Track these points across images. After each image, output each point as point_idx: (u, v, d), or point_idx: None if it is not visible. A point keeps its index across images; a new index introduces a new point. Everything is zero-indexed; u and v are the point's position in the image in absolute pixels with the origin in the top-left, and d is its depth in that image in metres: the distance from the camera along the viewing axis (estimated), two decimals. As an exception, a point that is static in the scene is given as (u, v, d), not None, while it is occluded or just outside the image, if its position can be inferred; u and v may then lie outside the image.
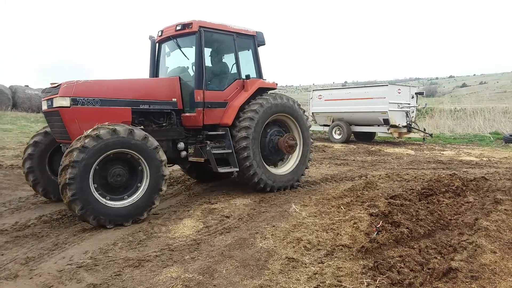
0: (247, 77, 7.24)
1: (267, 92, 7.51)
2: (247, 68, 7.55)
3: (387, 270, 3.64)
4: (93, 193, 5.16)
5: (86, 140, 5.09)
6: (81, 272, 3.86)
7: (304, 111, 7.82)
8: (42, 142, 6.65)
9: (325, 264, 3.95)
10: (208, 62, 7.19)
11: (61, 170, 5.05)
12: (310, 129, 8.00)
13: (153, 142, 5.62)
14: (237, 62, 7.31)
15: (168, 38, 7.26)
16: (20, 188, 7.67)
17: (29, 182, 6.63)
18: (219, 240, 4.77)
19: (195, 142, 6.99)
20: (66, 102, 5.69)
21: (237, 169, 6.81)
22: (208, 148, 6.64)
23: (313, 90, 20.34)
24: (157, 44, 7.53)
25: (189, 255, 4.28)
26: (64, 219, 5.92)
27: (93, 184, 5.17)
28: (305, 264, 3.98)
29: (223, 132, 6.91)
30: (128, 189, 5.60)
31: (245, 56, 7.62)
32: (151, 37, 7.47)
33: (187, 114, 6.86)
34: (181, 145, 6.82)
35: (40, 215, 6.01)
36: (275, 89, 7.74)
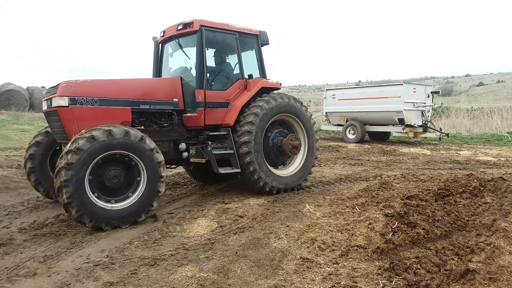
0: (250, 76, 7.17)
1: (270, 92, 7.36)
2: (251, 67, 7.48)
3: (403, 271, 3.60)
4: (89, 196, 5.11)
5: (80, 142, 5.04)
6: (98, 270, 3.92)
7: (306, 109, 7.69)
8: (44, 142, 6.67)
9: (340, 264, 3.92)
10: (210, 61, 7.15)
11: (56, 172, 5.01)
12: (315, 126, 7.87)
13: (150, 143, 5.54)
14: (239, 62, 7.21)
15: (170, 38, 7.23)
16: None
17: (30, 182, 6.67)
18: (233, 239, 4.79)
19: (197, 143, 6.90)
20: (64, 101, 5.67)
21: (239, 170, 6.70)
22: (209, 149, 6.53)
23: (327, 89, 20.23)
24: (160, 45, 7.52)
25: (204, 255, 4.30)
26: (81, 218, 6.02)
27: (89, 186, 5.11)
28: (320, 264, 3.96)
29: (225, 133, 6.81)
30: (125, 192, 5.51)
31: (249, 56, 7.57)
32: (154, 38, 7.47)
33: (188, 114, 6.80)
34: (182, 146, 6.74)
35: (57, 214, 6.11)
36: (278, 89, 7.64)
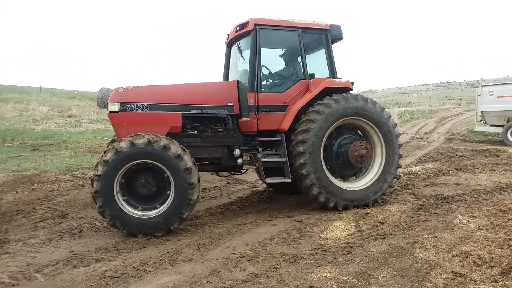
0: (311, 76, 6.42)
1: (340, 94, 6.38)
2: (320, 67, 6.70)
3: None
4: (120, 203, 5.23)
5: (108, 154, 5.20)
6: (243, 261, 4.21)
7: (390, 116, 6.55)
8: None
9: (500, 283, 3.43)
10: (269, 62, 6.64)
11: (91, 180, 5.25)
12: (398, 137, 6.60)
13: (175, 150, 5.33)
14: (302, 60, 6.48)
15: (232, 41, 6.96)
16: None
17: None
18: (373, 246, 4.60)
19: (250, 149, 6.45)
20: (115, 107, 5.89)
21: (289, 180, 6.07)
22: (258, 156, 6.10)
23: (482, 85, 17.84)
24: (229, 48, 7.27)
25: (343, 258, 4.24)
26: (226, 213, 6.58)
27: (121, 194, 5.26)
28: (475, 281, 3.53)
29: (278, 139, 6.24)
30: (156, 200, 5.47)
31: (319, 54, 6.79)
32: (225, 41, 7.27)
33: (243, 119, 6.40)
34: (236, 152, 6.32)
35: (207, 208, 6.79)
36: (350, 89, 6.63)
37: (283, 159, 6.11)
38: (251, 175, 8.81)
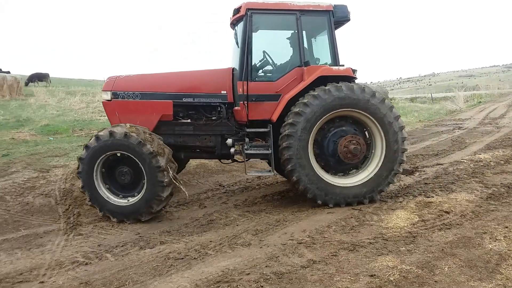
0: (306, 64, 5.91)
1: (335, 83, 5.79)
2: (323, 53, 6.25)
3: None
4: (98, 188, 5.53)
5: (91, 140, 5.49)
6: (301, 248, 4.23)
7: (392, 107, 5.89)
8: None
9: None
10: (259, 48, 6.19)
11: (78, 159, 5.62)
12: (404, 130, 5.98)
13: (150, 147, 5.33)
14: (299, 46, 5.97)
15: (232, 25, 6.65)
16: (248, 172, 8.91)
17: None
18: (438, 235, 4.40)
19: (243, 139, 6.24)
20: (107, 96, 6.09)
21: (271, 174, 6.08)
22: (245, 147, 5.92)
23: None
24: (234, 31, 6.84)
25: (405, 247, 4.11)
26: (283, 200, 6.61)
27: (101, 179, 5.56)
28: (555, 276, 3.25)
29: (266, 130, 5.93)
30: (133, 189, 5.62)
31: (321, 39, 6.33)
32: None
33: (236, 108, 6.18)
34: (229, 141, 6.16)
35: (264, 195, 6.87)
36: (351, 77, 6.00)
37: (268, 152, 5.86)
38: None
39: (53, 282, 3.77)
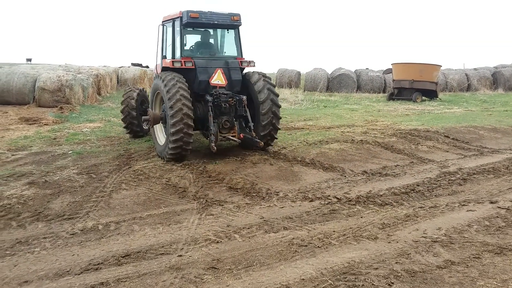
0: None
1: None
2: None
3: None
4: None
5: None
6: (436, 246, 3.87)
7: (166, 85, 7.70)
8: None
9: None
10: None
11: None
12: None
13: None
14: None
15: None
16: (370, 161, 8.52)
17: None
18: None
19: None
20: None
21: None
22: None
23: None
24: None
25: None
26: (411, 193, 6.14)
27: None
28: None
29: None
30: None
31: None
32: None
33: None
34: None
35: (390, 187, 6.47)
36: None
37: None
38: (439, 155, 7.98)
39: (189, 256, 4.13)
